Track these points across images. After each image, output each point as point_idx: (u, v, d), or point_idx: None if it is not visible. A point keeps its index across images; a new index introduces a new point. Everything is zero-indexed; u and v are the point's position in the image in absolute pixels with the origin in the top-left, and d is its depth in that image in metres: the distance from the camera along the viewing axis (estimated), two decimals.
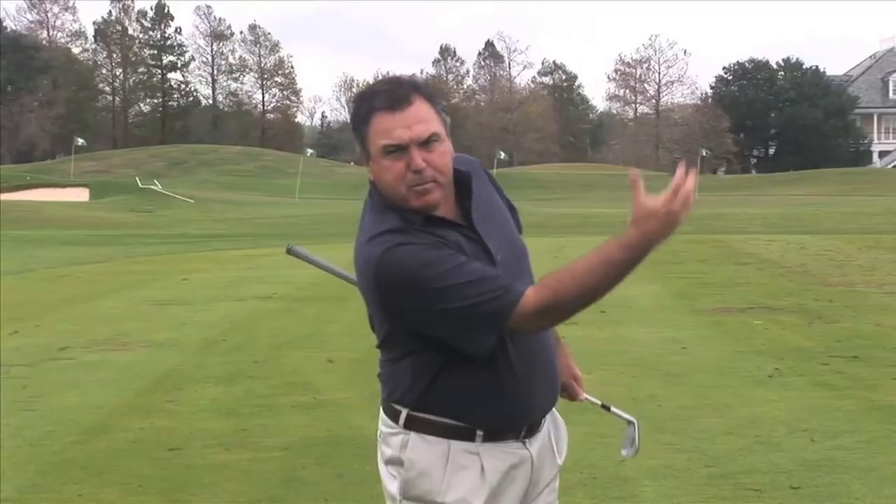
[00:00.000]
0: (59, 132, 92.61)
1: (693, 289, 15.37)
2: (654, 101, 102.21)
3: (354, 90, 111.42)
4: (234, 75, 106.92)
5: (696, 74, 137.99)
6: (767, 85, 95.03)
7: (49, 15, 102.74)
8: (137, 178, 64.30)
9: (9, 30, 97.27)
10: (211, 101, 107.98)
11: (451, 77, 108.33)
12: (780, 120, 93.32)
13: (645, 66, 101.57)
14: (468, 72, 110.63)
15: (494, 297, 2.48)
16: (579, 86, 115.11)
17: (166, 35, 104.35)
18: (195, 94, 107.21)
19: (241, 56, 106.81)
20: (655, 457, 6.19)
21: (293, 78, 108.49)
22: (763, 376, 8.62)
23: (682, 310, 13.14)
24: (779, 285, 15.60)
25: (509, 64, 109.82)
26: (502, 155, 65.68)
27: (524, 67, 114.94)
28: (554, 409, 2.85)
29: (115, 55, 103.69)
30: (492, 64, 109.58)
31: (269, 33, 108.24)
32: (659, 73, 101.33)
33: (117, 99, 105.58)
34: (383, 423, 2.72)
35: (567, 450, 2.91)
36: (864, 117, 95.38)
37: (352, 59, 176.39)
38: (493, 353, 2.58)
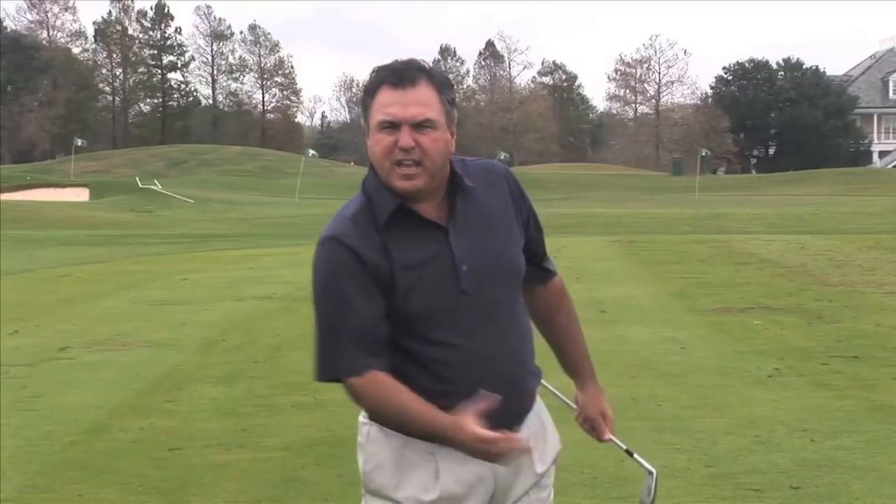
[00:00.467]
0: (59, 132, 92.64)
1: (693, 289, 15.37)
2: (654, 101, 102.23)
3: (354, 90, 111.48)
4: (234, 75, 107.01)
5: (696, 74, 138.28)
6: (767, 85, 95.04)
7: (49, 15, 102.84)
8: (137, 178, 64.33)
9: (9, 30, 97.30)
10: (211, 101, 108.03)
11: (451, 77, 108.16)
12: (780, 120, 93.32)
13: (645, 66, 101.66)
14: (468, 72, 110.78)
15: (326, 350, 2.63)
16: (579, 86, 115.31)
17: (166, 35, 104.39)
18: (195, 94, 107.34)
19: (241, 56, 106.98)
20: (655, 457, 6.19)
21: (293, 78, 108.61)
22: (763, 376, 8.62)
23: (682, 310, 13.14)
24: (779, 285, 15.60)
25: (509, 64, 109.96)
26: (503, 155, 65.65)
27: (524, 67, 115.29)
28: (543, 416, 2.82)
29: (115, 55, 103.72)
30: (492, 64, 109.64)
31: (269, 33, 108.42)
32: (659, 73, 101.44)
33: (117, 99, 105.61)
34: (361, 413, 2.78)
35: (556, 455, 2.86)
36: (864, 117, 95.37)
37: (352, 59, 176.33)
38: (442, 363, 2.60)
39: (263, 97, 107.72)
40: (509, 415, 2.68)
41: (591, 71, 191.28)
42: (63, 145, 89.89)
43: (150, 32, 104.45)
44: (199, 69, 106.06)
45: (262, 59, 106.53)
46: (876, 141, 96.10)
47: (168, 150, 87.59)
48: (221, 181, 69.83)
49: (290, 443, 6.67)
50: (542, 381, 3.01)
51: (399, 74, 2.59)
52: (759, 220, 36.47)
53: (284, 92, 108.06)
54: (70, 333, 11.76)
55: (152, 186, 60.51)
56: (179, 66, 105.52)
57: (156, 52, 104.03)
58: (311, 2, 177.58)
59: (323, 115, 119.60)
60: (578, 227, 33.60)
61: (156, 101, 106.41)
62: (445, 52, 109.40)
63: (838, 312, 12.46)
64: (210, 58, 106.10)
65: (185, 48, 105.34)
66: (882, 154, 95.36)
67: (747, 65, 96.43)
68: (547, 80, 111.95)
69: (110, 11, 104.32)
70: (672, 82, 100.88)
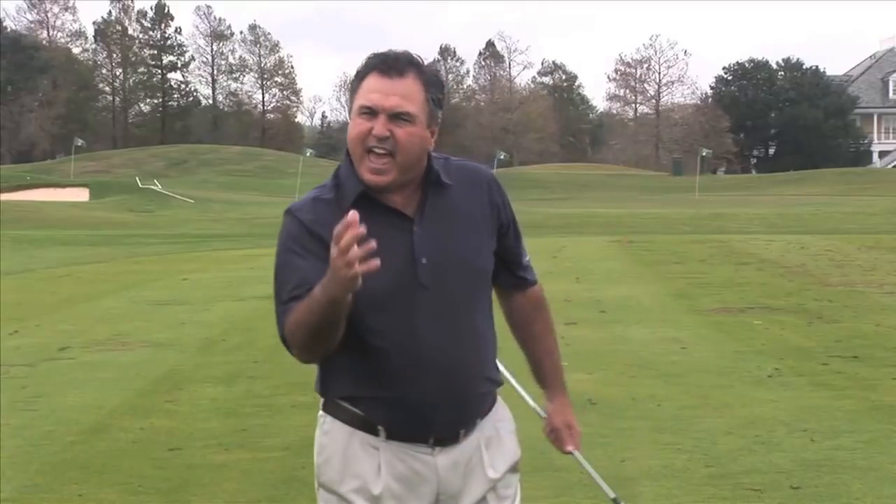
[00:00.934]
0: (59, 132, 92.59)
1: (693, 289, 15.37)
2: (654, 101, 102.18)
3: None
4: (234, 75, 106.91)
5: (696, 74, 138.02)
6: (767, 85, 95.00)
7: (49, 15, 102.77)
8: (137, 178, 64.33)
9: (9, 30, 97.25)
10: (211, 101, 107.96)
11: (451, 77, 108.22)
12: (780, 120, 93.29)
13: (645, 66, 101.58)
14: (468, 72, 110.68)
15: (277, 311, 2.63)
16: (579, 86, 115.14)
17: (166, 35, 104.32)
18: (195, 94, 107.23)
19: (241, 56, 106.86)
20: (655, 457, 6.20)
21: (293, 78, 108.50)
22: (763, 376, 8.62)
23: (682, 310, 13.14)
24: (779, 285, 15.60)
25: (509, 64, 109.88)
26: (502, 155, 65.64)
27: (524, 67, 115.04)
28: (500, 424, 2.80)
29: (115, 55, 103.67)
30: (492, 64, 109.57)
31: (269, 33, 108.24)
32: (659, 73, 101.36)
33: (117, 99, 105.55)
34: None
35: (514, 463, 2.81)
36: (864, 117, 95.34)
37: (352, 59, 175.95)
38: (385, 353, 2.60)
39: (263, 97, 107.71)
40: (453, 415, 2.67)
41: (591, 71, 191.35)
42: (63, 145, 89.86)
43: (150, 32, 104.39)
44: (199, 69, 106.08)
45: (262, 59, 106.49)
46: (876, 141, 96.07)
47: (168, 150, 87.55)
48: (221, 181, 69.84)
49: (290, 443, 6.67)
50: (517, 387, 3.00)
51: (389, 63, 2.60)
52: (759, 220, 36.47)
53: (284, 92, 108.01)
54: (70, 333, 11.76)
55: (152, 186, 60.52)
56: (179, 66, 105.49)
57: (156, 52, 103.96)
58: (311, 2, 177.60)
59: (323, 115, 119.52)
60: (578, 227, 33.61)
61: (156, 101, 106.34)
62: (445, 52, 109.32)
63: (838, 312, 12.46)
64: (210, 58, 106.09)
65: (185, 48, 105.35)
66: (882, 154, 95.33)
67: (747, 65, 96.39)
68: (547, 80, 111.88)
69: (110, 11, 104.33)
70: (672, 82, 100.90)
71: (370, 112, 2.58)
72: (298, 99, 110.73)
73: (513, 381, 3.06)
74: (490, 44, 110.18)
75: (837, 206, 44.76)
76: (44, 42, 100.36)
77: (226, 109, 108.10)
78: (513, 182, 60.65)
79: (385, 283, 2.54)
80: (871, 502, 5.37)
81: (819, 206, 45.04)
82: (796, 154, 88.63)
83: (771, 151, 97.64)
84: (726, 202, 51.97)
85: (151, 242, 30.27)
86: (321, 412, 2.74)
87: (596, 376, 8.44)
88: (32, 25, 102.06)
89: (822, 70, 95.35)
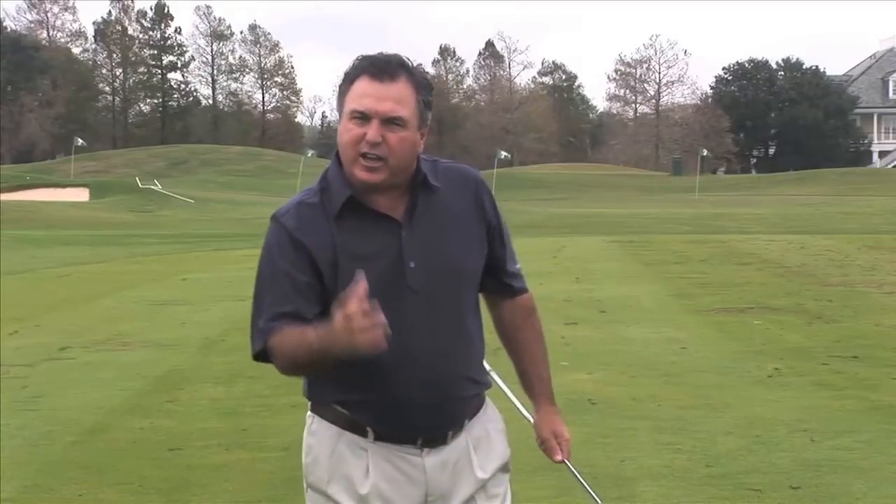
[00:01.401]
0: (59, 132, 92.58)
1: (693, 289, 15.37)
2: (654, 101, 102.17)
3: None
4: (234, 75, 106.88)
5: (696, 74, 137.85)
6: (767, 85, 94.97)
7: (49, 15, 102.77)
8: (137, 179, 64.32)
9: (9, 30, 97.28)
10: (211, 101, 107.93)
11: (451, 77, 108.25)
12: (780, 120, 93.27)
13: (645, 66, 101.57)
14: (468, 72, 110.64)
15: (255, 320, 2.66)
16: (579, 86, 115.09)
17: (166, 35, 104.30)
18: (195, 94, 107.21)
19: (241, 56, 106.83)
20: (655, 457, 6.19)
21: (293, 78, 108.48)
22: (763, 376, 8.62)
23: (682, 310, 13.14)
24: (779, 285, 15.60)
25: (509, 64, 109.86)
26: (503, 155, 65.54)
27: (524, 67, 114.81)
28: (489, 424, 2.80)
29: (115, 55, 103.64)
30: (492, 64, 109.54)
31: (269, 33, 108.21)
32: (659, 73, 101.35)
33: (117, 99, 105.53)
34: None
35: (503, 463, 2.81)
36: (864, 117, 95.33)
37: (352, 59, 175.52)
38: (367, 367, 2.56)
39: (263, 97, 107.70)
40: (440, 417, 2.68)
41: (591, 71, 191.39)
42: (63, 145, 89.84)
43: (150, 32, 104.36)
44: (199, 69, 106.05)
45: (262, 59, 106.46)
46: (876, 141, 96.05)
47: (168, 150, 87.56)
48: (221, 181, 69.85)
49: (290, 443, 6.66)
50: (506, 390, 2.98)
51: (380, 67, 2.59)
52: (759, 220, 36.48)
53: (284, 92, 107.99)
54: (70, 333, 11.76)
55: (152, 186, 60.51)
56: (179, 66, 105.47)
57: (156, 52, 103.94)
58: (311, 2, 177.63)
59: (323, 115, 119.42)
60: (578, 227, 33.61)
61: (156, 101, 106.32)
62: (445, 52, 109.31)
63: (838, 312, 12.46)
64: (210, 58, 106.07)
65: (185, 48, 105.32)
66: (882, 154, 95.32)
67: (747, 65, 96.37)
68: (547, 80, 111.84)
69: (110, 11, 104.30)
70: (672, 82, 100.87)
71: (362, 117, 2.57)
72: (298, 99, 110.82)
73: (502, 384, 3.04)
74: (490, 44, 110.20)
75: (837, 206, 44.76)
76: (44, 42, 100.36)
77: (226, 109, 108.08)
78: (513, 182, 60.67)
79: (373, 287, 2.53)
80: (871, 502, 5.37)
81: (819, 206, 45.04)
82: (796, 154, 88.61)
83: (771, 151, 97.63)
84: (726, 202, 51.97)
85: (151, 242, 30.27)
86: (309, 413, 2.75)
87: (596, 376, 8.44)
88: (32, 25, 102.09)
89: (822, 70, 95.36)
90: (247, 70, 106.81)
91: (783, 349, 9.97)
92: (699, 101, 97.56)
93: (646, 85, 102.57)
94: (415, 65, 2.68)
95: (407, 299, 2.61)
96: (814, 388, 8.17)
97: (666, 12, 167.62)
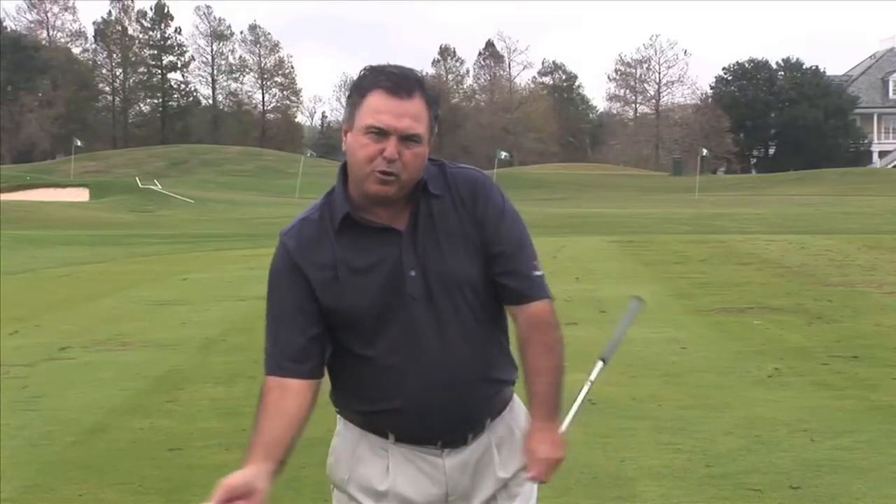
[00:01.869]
0: (59, 132, 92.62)
1: (693, 289, 15.37)
2: (654, 101, 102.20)
3: None
4: (234, 75, 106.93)
5: (696, 74, 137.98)
6: (767, 85, 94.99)
7: (49, 15, 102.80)
8: (137, 179, 64.36)
9: (9, 30, 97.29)
10: (211, 101, 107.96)
11: (451, 77, 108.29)
12: (780, 120, 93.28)
13: (645, 66, 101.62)
14: (468, 72, 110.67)
15: (266, 349, 2.70)
16: (579, 86, 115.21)
17: (166, 35, 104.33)
18: (195, 94, 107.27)
19: (241, 56, 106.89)
20: (655, 457, 6.20)
21: (293, 78, 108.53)
22: (763, 376, 8.62)
23: (682, 310, 13.14)
24: (779, 285, 15.60)
25: (509, 64, 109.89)
26: (503, 154, 65.59)
27: (524, 67, 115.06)
28: (514, 423, 2.78)
29: (115, 55, 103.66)
30: (492, 64, 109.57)
31: (269, 33, 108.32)
32: (659, 73, 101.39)
33: (117, 99, 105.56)
34: None
35: (521, 460, 2.73)
36: (864, 117, 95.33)
37: (352, 59, 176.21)
38: (384, 365, 2.63)
39: (263, 97, 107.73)
40: (456, 420, 2.68)
41: (591, 71, 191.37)
42: (63, 145, 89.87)
43: (150, 32, 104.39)
44: (199, 69, 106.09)
45: (262, 59, 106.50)
46: (876, 141, 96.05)
47: (168, 150, 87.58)
48: (221, 181, 69.86)
49: None
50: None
51: (396, 82, 2.58)
52: (759, 220, 36.49)
53: (284, 92, 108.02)
54: (70, 333, 11.76)
55: (152, 186, 60.54)
56: (179, 66, 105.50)
57: (156, 52, 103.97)
58: (311, 2, 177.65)
59: (323, 115, 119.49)
60: (578, 227, 33.61)
61: (156, 101, 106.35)
62: (445, 52, 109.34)
63: (838, 312, 12.46)
64: (210, 58, 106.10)
65: (185, 48, 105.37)
66: (882, 154, 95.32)
67: (747, 65, 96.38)
68: (547, 80, 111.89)
69: (110, 11, 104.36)
70: (672, 82, 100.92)
71: (379, 132, 2.56)
72: (298, 99, 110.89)
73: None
74: (490, 44, 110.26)
75: (837, 206, 44.77)
76: (44, 42, 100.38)
77: (226, 109, 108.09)
78: (513, 182, 60.65)
79: (376, 299, 2.60)
80: (871, 502, 5.36)
81: (819, 206, 45.05)
82: (796, 154, 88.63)
83: (771, 151, 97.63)
84: (726, 202, 51.98)
85: (151, 242, 30.27)
86: (337, 415, 2.80)
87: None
88: (32, 25, 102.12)
89: (822, 70, 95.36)
90: (247, 70, 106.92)
91: (783, 349, 9.97)
92: (699, 101, 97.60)
93: (646, 85, 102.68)
94: (423, 75, 2.68)
95: (409, 308, 2.62)
96: (814, 388, 8.17)
97: (666, 12, 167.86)
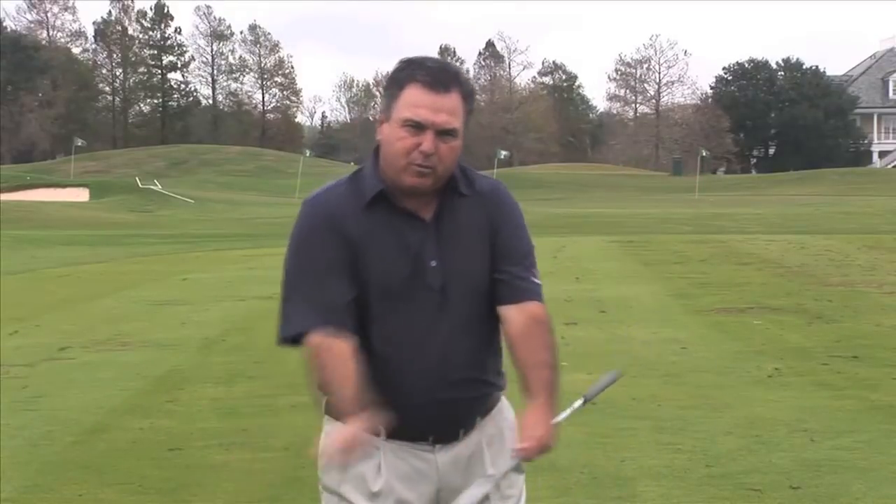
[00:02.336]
0: (59, 132, 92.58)
1: (693, 289, 15.37)
2: (654, 101, 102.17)
3: (354, 90, 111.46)
4: (234, 75, 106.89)
5: (696, 74, 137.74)
6: (767, 85, 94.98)
7: (49, 15, 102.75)
8: (137, 179, 64.35)
9: (9, 30, 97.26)
10: (211, 101, 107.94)
11: None
12: (780, 120, 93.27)
13: (645, 66, 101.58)
14: (468, 72, 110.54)
15: (287, 311, 2.68)
16: (579, 86, 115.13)
17: (166, 35, 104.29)
18: (195, 94, 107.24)
19: (241, 56, 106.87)
20: (655, 457, 6.19)
21: (293, 78, 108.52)
22: (763, 376, 8.62)
23: (682, 310, 13.14)
24: (779, 285, 15.60)
25: (509, 64, 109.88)
26: (503, 154, 65.52)
27: (524, 67, 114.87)
28: (503, 423, 2.79)
29: (115, 55, 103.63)
30: (492, 64, 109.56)
31: (269, 33, 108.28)
32: (659, 73, 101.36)
33: (117, 99, 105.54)
34: None
35: (515, 463, 2.75)
36: (864, 117, 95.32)
37: (351, 59, 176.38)
38: (372, 363, 2.62)
39: (263, 97, 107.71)
40: (450, 416, 2.70)
41: (591, 71, 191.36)
42: (63, 145, 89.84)
43: (150, 32, 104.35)
44: (199, 69, 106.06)
45: (262, 59, 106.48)
46: (876, 141, 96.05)
47: (168, 150, 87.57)
48: (221, 181, 69.85)
49: (290, 443, 6.67)
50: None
51: (435, 76, 2.61)
52: (759, 220, 36.48)
53: (284, 92, 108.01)
54: (70, 333, 11.76)
55: (152, 186, 60.54)
56: (179, 66, 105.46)
57: (156, 52, 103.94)
58: (311, 2, 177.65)
59: (323, 115, 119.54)
60: (578, 227, 33.61)
61: (156, 101, 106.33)
62: (445, 52, 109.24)
63: (838, 312, 12.46)
64: (210, 58, 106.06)
65: (185, 48, 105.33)
66: (882, 154, 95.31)
67: (747, 65, 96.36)
68: (547, 80, 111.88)
69: (110, 11, 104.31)
70: (672, 82, 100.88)
71: (417, 126, 2.59)
72: (298, 99, 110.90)
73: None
74: (490, 44, 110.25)
75: (837, 206, 44.76)
76: (44, 42, 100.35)
77: (226, 109, 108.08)
78: (513, 182, 60.59)
79: (394, 279, 2.62)
80: (871, 502, 5.36)
81: (819, 206, 45.04)
82: (796, 154, 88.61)
83: (771, 151, 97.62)
84: (726, 202, 51.97)
85: (151, 242, 30.26)
86: (325, 415, 2.77)
87: (596, 376, 8.40)
88: (32, 25, 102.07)
89: (822, 70, 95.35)
90: (247, 70, 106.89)
91: (783, 349, 9.97)
92: (699, 101, 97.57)
93: (646, 85, 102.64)
94: (462, 73, 2.70)
95: (423, 298, 2.64)
96: (814, 388, 8.17)
97: (666, 12, 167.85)
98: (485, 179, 2.79)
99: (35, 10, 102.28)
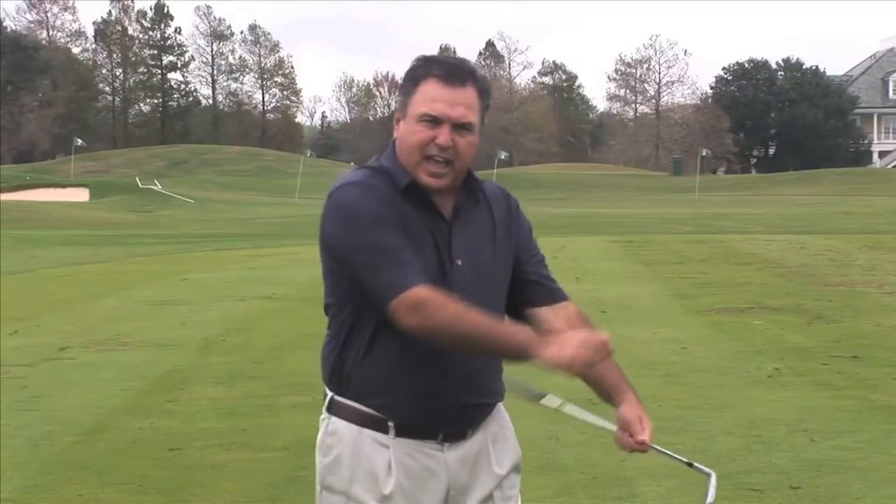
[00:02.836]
0: (59, 132, 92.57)
1: (693, 289, 15.36)
2: (654, 101, 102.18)
3: (354, 90, 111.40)
4: (234, 75, 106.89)
5: (696, 74, 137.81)
6: (767, 85, 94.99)
7: (49, 15, 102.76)
8: (137, 179, 64.35)
9: (9, 30, 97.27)
10: (211, 101, 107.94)
11: None
12: (780, 120, 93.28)
13: (645, 66, 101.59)
14: None
15: (390, 271, 2.52)
16: (579, 86, 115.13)
17: (166, 35, 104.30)
18: (195, 94, 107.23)
19: (241, 56, 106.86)
20: (655, 457, 6.17)
21: (293, 78, 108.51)
22: (763, 376, 8.62)
23: (682, 310, 13.14)
24: (779, 285, 15.60)
25: (509, 64, 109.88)
26: (503, 155, 65.56)
27: (524, 67, 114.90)
28: (503, 421, 2.82)
29: (115, 55, 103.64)
30: (492, 64, 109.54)
31: (269, 33, 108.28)
32: (659, 73, 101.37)
33: (117, 99, 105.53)
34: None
35: (516, 462, 2.82)
36: (864, 117, 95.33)
37: (351, 58, 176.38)
38: (402, 353, 2.61)
39: (263, 97, 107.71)
40: (466, 414, 2.70)
41: (591, 71, 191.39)
42: (63, 145, 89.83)
43: (150, 32, 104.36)
44: (199, 69, 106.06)
45: (262, 59, 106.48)
46: (876, 141, 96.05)
47: (168, 150, 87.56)
48: (221, 181, 69.84)
49: (290, 443, 6.67)
50: (582, 413, 2.83)
51: (450, 71, 2.62)
52: (759, 220, 36.48)
53: (284, 92, 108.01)
54: (70, 333, 11.76)
55: (152, 186, 60.54)
56: (179, 66, 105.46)
57: (156, 52, 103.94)
58: (311, 2, 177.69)
59: (323, 115, 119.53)
60: (578, 227, 33.60)
61: (156, 101, 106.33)
62: (445, 52, 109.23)
63: (838, 312, 12.46)
64: (210, 58, 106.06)
65: (185, 48, 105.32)
66: (882, 154, 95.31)
67: (747, 65, 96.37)
68: (547, 80, 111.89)
69: (110, 11, 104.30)
70: (672, 82, 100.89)
71: (434, 120, 2.59)
72: (298, 99, 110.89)
73: (573, 408, 2.91)
74: (490, 44, 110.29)
75: (837, 206, 44.76)
76: (44, 42, 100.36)
77: (226, 109, 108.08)
78: (513, 182, 60.62)
79: (430, 276, 2.59)
80: (871, 502, 5.37)
81: (819, 206, 45.04)
82: (796, 154, 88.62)
83: (771, 151, 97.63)
84: (726, 202, 51.97)
85: (151, 242, 30.26)
86: (325, 414, 2.73)
87: None
88: (32, 25, 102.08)
89: (822, 70, 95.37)
90: (247, 70, 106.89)
91: (783, 349, 9.97)
92: (699, 101, 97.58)
93: (646, 85, 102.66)
94: (477, 69, 2.71)
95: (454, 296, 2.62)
96: (814, 388, 8.17)
97: (666, 12, 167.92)
98: (495, 184, 2.83)
99: (35, 10, 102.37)
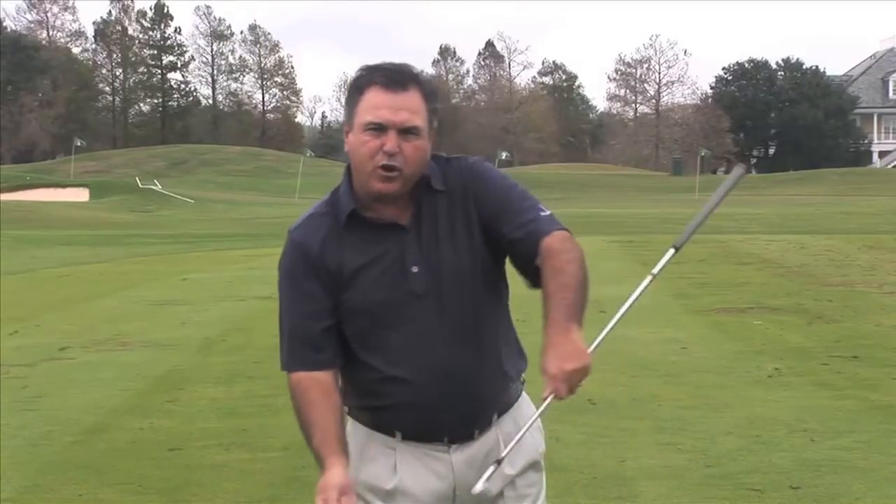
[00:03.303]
0: (59, 132, 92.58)
1: (693, 289, 15.36)
2: (654, 101, 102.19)
3: None
4: (234, 75, 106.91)
5: (696, 74, 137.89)
6: (767, 85, 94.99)
7: (49, 15, 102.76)
8: (137, 179, 64.35)
9: (9, 30, 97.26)
10: (211, 101, 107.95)
11: (451, 77, 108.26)
12: (780, 120, 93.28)
13: (645, 66, 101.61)
14: (468, 72, 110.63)
15: (284, 343, 2.77)
16: (579, 86, 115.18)
17: (166, 35, 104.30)
18: (195, 94, 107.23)
19: (241, 56, 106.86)
20: (655, 457, 6.19)
21: (293, 78, 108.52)
22: (763, 376, 8.62)
23: (682, 310, 13.14)
24: (779, 285, 15.59)
25: (509, 64, 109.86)
26: (504, 155, 65.56)
27: (524, 67, 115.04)
28: (521, 420, 2.76)
29: (115, 55, 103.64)
30: (492, 64, 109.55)
31: (269, 33, 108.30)
32: (659, 73, 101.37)
33: (117, 99, 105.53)
34: None
35: (532, 461, 2.79)
36: (864, 117, 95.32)
37: (352, 59, 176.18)
38: (381, 375, 2.64)
39: (263, 97, 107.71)
40: (462, 416, 2.68)
41: (591, 71, 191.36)
42: (63, 145, 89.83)
43: (150, 32, 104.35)
44: (199, 69, 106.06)
45: (262, 59, 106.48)
46: (876, 141, 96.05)
47: (168, 150, 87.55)
48: (221, 181, 69.84)
49: (290, 443, 6.67)
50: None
51: (391, 77, 2.60)
52: (759, 220, 36.47)
53: (284, 92, 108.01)
54: (70, 333, 11.76)
55: (152, 186, 60.55)
56: (179, 66, 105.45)
57: (156, 52, 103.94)
58: (311, 2, 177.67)
59: (323, 115, 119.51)
60: (578, 228, 33.50)
61: (156, 101, 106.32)
62: (445, 52, 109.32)
63: (838, 312, 12.46)
64: (210, 58, 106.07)
65: (185, 48, 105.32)
66: (882, 154, 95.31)
67: (747, 65, 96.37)
68: (547, 80, 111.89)
69: (110, 11, 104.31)
70: (672, 82, 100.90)
71: (378, 128, 2.57)
72: (298, 99, 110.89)
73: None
74: (490, 44, 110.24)
75: (837, 206, 44.76)
76: (44, 42, 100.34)
77: (226, 109, 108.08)
78: None
79: (380, 295, 2.61)
80: (871, 502, 5.36)
81: (819, 206, 45.05)
82: (796, 154, 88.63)
83: (771, 151, 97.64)
84: (726, 202, 51.68)
85: (151, 242, 30.26)
86: (346, 415, 2.77)
87: (596, 376, 8.39)
88: (32, 25, 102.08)
89: (822, 70, 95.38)
90: (247, 70, 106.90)
91: (783, 349, 9.97)
92: (699, 101, 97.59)
93: (646, 85, 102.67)
94: (421, 71, 2.69)
95: (413, 304, 2.62)
96: (814, 388, 8.17)
97: (666, 12, 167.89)
98: (456, 162, 2.71)
99: (35, 10, 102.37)
